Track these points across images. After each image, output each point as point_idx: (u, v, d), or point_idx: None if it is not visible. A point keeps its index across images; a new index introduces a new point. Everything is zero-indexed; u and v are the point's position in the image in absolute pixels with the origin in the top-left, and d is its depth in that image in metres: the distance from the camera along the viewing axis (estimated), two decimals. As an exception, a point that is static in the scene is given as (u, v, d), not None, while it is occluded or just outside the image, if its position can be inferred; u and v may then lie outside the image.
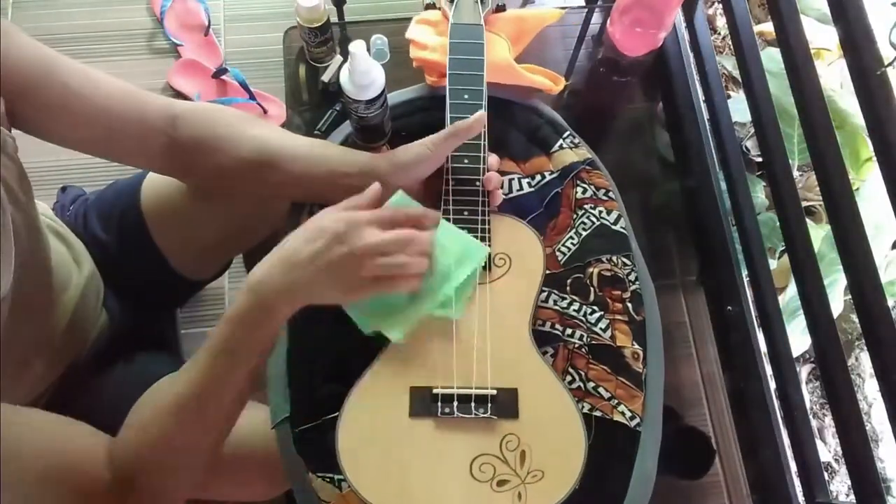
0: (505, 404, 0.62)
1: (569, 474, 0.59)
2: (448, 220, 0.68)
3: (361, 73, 0.69)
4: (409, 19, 0.87)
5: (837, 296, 1.13)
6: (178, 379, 0.56)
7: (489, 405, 0.61)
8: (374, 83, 0.71)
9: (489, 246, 0.67)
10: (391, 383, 0.63)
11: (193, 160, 0.67)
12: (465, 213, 0.69)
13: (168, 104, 0.66)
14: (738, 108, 1.02)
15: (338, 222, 0.56)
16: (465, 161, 0.71)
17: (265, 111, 1.48)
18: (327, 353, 0.68)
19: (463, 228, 0.67)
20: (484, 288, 0.66)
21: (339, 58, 0.89)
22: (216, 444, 0.59)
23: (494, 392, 0.62)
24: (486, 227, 0.68)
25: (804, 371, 1.29)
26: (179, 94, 1.49)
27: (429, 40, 0.84)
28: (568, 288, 0.73)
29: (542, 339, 0.71)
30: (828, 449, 1.25)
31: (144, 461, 0.55)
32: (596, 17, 0.96)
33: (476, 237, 0.67)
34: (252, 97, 1.47)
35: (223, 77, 1.49)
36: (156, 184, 0.83)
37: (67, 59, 0.61)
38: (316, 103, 0.88)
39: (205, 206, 0.81)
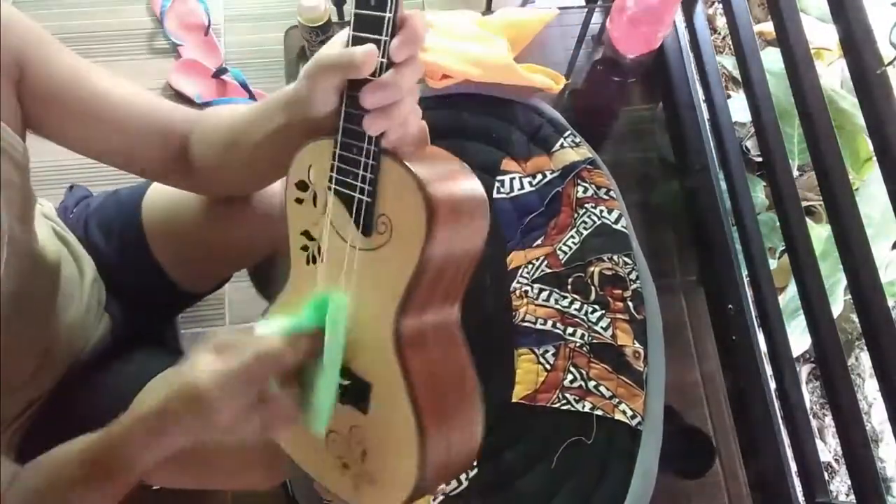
0: (357, 395, 0.54)
1: (393, 498, 0.53)
2: (335, 156, 0.50)
3: None
4: (408, 19, 0.87)
5: (838, 296, 1.13)
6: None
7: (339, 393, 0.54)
8: None
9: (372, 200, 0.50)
10: None
11: (202, 181, 0.67)
12: (354, 150, 0.49)
13: (186, 120, 0.64)
14: (738, 107, 1.02)
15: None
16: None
17: (265, 111, 1.48)
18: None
19: (349, 172, 0.50)
20: (361, 257, 0.51)
21: (339, 57, 0.89)
22: None
23: (347, 383, 0.54)
24: (374, 175, 0.48)
25: (804, 371, 1.29)
26: (179, 94, 1.49)
27: (427, 43, 0.84)
28: (569, 287, 0.74)
29: (543, 338, 0.71)
30: (828, 449, 1.25)
31: None
32: (596, 17, 0.96)
33: (356, 186, 0.50)
34: (252, 97, 1.47)
35: (223, 77, 1.49)
36: (157, 199, 0.83)
37: (96, 66, 0.61)
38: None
39: (206, 225, 0.81)
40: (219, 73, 1.48)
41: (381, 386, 0.53)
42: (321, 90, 0.48)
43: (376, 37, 0.46)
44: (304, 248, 0.55)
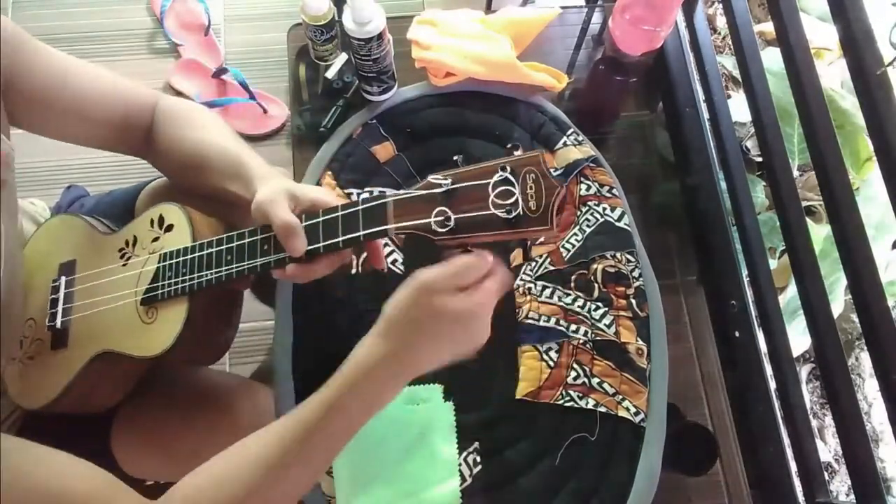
0: None
1: None
2: None
3: (360, 10, 0.72)
4: (408, 17, 0.87)
5: (838, 296, 1.13)
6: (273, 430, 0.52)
7: None
8: (375, 18, 0.74)
9: None
10: None
11: (161, 161, 0.71)
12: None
13: (149, 104, 0.69)
14: (738, 107, 1.02)
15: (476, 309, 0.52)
16: None
17: (265, 111, 1.48)
18: (332, 348, 0.68)
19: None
20: None
21: (343, 55, 0.89)
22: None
23: None
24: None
25: (804, 371, 1.29)
26: (179, 95, 1.49)
27: (432, 41, 0.84)
28: (572, 284, 0.74)
29: (546, 335, 0.71)
30: (828, 449, 1.25)
31: None
32: (596, 17, 0.97)
33: None
34: (252, 97, 1.47)
35: (223, 77, 1.49)
36: (150, 200, 0.83)
37: (72, 62, 0.63)
38: (319, 100, 0.88)
39: (198, 228, 0.81)
40: (219, 73, 1.48)
41: None
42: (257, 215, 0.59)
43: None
44: None
